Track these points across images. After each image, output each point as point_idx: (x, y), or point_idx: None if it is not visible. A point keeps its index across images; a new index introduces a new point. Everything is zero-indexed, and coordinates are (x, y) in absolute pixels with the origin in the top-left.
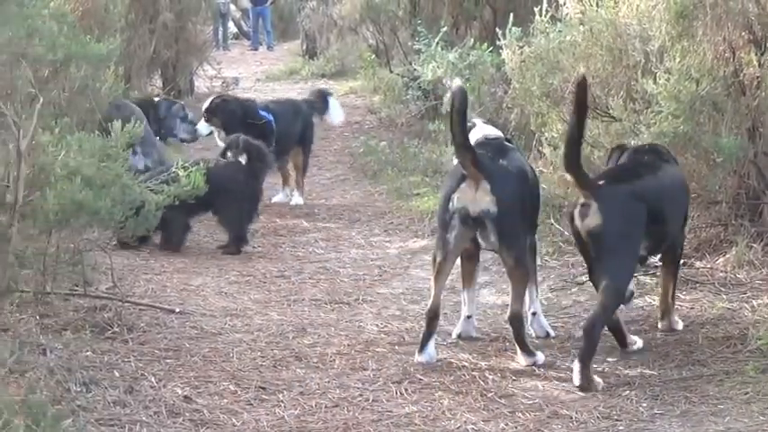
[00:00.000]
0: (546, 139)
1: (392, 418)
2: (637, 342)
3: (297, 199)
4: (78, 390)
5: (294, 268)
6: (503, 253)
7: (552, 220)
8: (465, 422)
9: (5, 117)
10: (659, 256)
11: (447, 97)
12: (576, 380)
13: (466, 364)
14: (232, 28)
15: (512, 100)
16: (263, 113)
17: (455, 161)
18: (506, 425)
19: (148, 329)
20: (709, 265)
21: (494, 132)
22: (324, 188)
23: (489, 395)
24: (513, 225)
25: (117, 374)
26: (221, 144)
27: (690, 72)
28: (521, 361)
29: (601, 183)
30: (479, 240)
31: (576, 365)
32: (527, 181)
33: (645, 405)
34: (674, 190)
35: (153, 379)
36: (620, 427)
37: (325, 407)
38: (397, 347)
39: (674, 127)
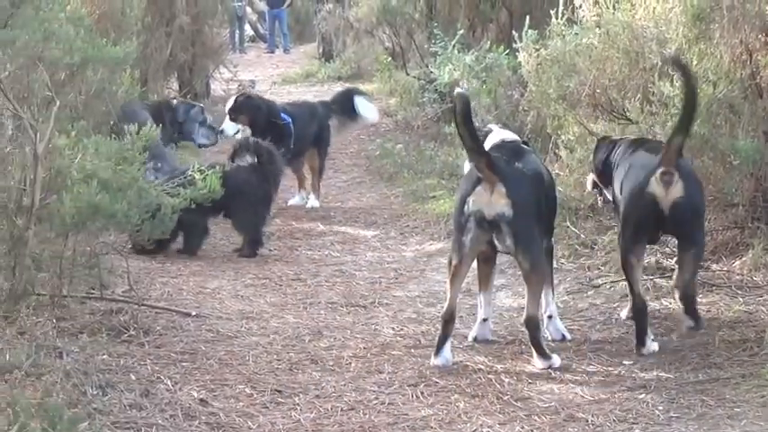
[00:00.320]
0: (562, 141)
1: (408, 421)
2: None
3: (313, 202)
4: (94, 393)
5: (310, 271)
6: (518, 256)
7: (568, 223)
8: (481, 425)
9: (22, 120)
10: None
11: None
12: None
13: (482, 367)
14: (248, 31)
15: (528, 103)
16: (283, 115)
17: (467, 165)
18: (522, 428)
19: (164, 332)
20: (725, 268)
21: (510, 136)
22: (340, 191)
23: (505, 398)
24: (529, 228)
25: (133, 377)
26: None
27: (707, 74)
28: (537, 364)
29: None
30: (496, 243)
31: (687, 322)
32: (543, 184)
33: (661, 408)
34: None
35: (169, 382)
36: (636, 431)
37: (341, 410)
38: (412, 350)
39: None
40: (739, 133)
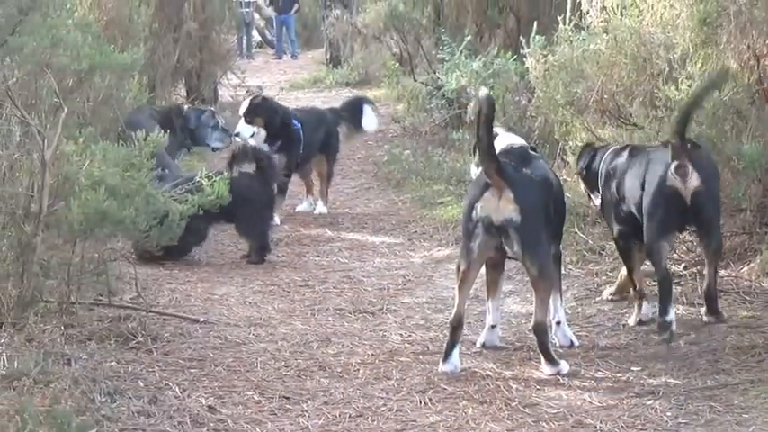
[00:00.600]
0: (570, 147)
1: (416, 427)
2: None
3: (321, 208)
4: (103, 400)
5: (318, 277)
6: (526, 262)
7: (576, 229)
8: (489, 431)
9: (30, 127)
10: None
11: (471, 106)
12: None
13: (490, 373)
14: (256, 37)
15: (536, 109)
16: (294, 120)
17: (472, 170)
18: None
19: (173, 339)
20: (733, 274)
21: (518, 141)
22: (348, 197)
23: (513, 404)
24: (537, 234)
25: (141, 384)
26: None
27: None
28: (545, 370)
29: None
30: (505, 248)
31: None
32: (551, 189)
33: (669, 414)
34: None
35: (177, 389)
36: None
37: (350, 416)
38: (421, 357)
39: (695, 131)
40: (746, 138)
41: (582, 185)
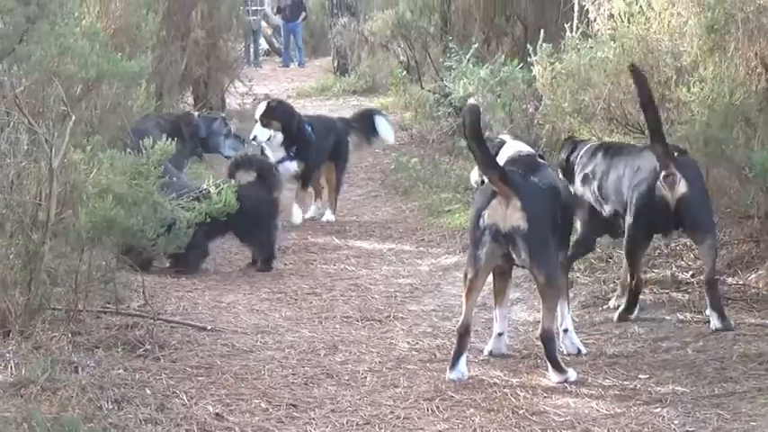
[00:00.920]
0: None
1: None
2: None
3: (329, 216)
4: (110, 407)
5: (325, 285)
6: (534, 270)
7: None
8: None
9: (38, 135)
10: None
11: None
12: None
13: (497, 381)
14: (263, 45)
15: (543, 116)
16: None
17: (473, 177)
18: None
19: (180, 347)
20: (741, 282)
21: (525, 148)
22: (355, 205)
23: (521, 412)
24: (544, 242)
25: (148, 392)
26: (272, 152)
27: (722, 87)
28: (552, 378)
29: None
30: (512, 256)
31: (714, 315)
32: (558, 197)
33: (677, 422)
34: None
35: (184, 396)
36: None
37: (357, 424)
38: (428, 364)
39: (705, 133)
40: (755, 145)
41: (560, 176)
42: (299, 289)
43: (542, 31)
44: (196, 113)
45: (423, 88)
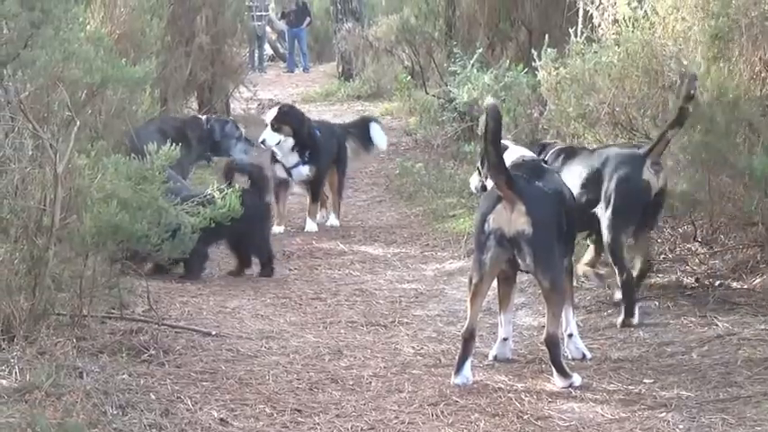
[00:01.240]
0: None
1: None
2: None
3: (333, 221)
4: (115, 413)
5: (330, 290)
6: (538, 275)
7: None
8: None
9: (42, 140)
10: None
11: (482, 119)
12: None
13: (502, 386)
14: (268, 50)
15: (547, 121)
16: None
17: (473, 181)
18: None
19: (184, 352)
20: (745, 286)
21: (529, 153)
22: (360, 210)
23: (525, 417)
24: (549, 246)
25: (153, 397)
26: (284, 157)
27: (726, 93)
28: (557, 383)
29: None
30: (517, 261)
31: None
32: (563, 202)
33: (681, 427)
34: None
35: (189, 402)
36: None
37: (362, 429)
38: (433, 369)
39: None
40: (758, 151)
41: None
42: (303, 294)
43: (547, 36)
44: (204, 117)
45: (427, 93)
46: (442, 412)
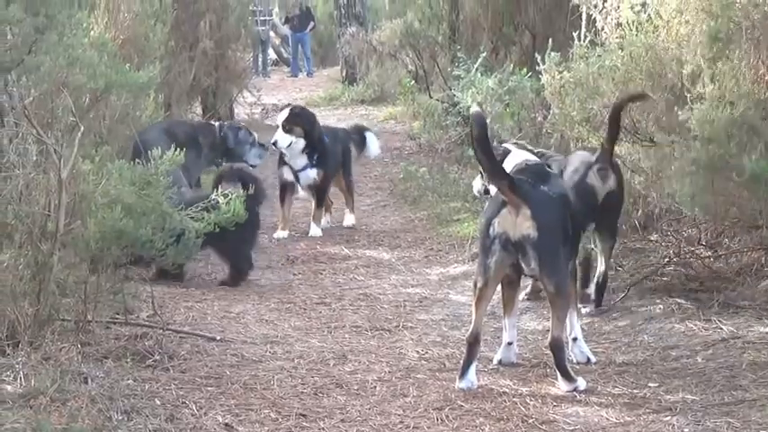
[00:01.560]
0: None
1: None
2: None
3: (349, 220)
4: (120, 418)
5: (335, 295)
6: (543, 279)
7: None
8: None
9: (46, 145)
10: None
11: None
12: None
13: (507, 390)
14: (272, 55)
15: (551, 125)
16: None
17: (475, 184)
18: None
19: (189, 357)
20: (750, 290)
21: (533, 157)
22: (364, 214)
23: (530, 421)
24: (554, 250)
25: (158, 402)
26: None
27: (726, 96)
28: (562, 387)
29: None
30: (522, 266)
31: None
32: (568, 206)
33: (687, 430)
34: None
35: (194, 407)
36: None
37: None
38: (437, 374)
39: (708, 152)
40: (759, 153)
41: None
42: (308, 299)
43: (550, 40)
44: (217, 123)
45: (431, 97)
46: (447, 416)
